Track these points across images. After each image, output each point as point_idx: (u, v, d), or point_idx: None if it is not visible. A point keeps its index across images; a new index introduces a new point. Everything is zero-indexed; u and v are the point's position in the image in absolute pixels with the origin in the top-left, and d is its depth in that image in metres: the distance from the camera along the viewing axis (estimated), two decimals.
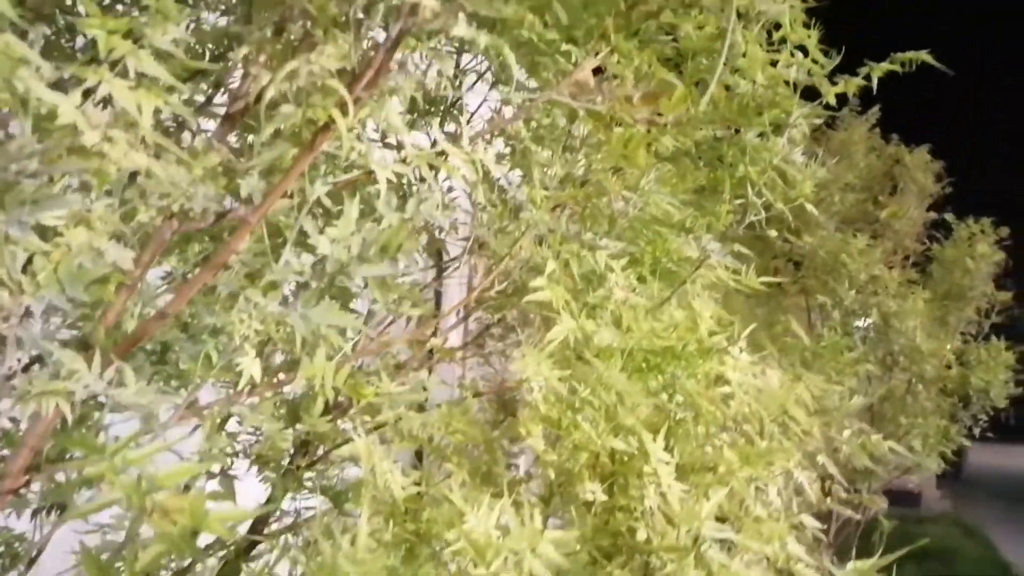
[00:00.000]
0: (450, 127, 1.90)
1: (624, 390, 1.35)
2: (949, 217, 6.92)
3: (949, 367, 6.28)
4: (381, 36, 1.37)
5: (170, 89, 1.24)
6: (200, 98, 1.60)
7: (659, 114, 1.44)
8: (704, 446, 1.36)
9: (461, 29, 1.17)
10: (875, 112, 7.49)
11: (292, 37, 1.44)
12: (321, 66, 1.20)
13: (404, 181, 1.55)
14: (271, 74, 1.33)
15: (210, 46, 1.63)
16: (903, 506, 10.04)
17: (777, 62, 2.13)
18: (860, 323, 6.46)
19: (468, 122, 1.57)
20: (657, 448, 1.27)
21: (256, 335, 1.40)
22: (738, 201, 2.31)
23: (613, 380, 1.33)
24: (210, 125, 1.52)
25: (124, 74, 1.18)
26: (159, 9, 1.16)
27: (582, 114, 1.76)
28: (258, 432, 1.52)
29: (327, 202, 1.46)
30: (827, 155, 7.50)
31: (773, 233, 2.43)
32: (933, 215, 7.26)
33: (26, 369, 1.24)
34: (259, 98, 1.35)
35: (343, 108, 1.28)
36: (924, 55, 2.11)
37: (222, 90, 1.63)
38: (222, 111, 1.50)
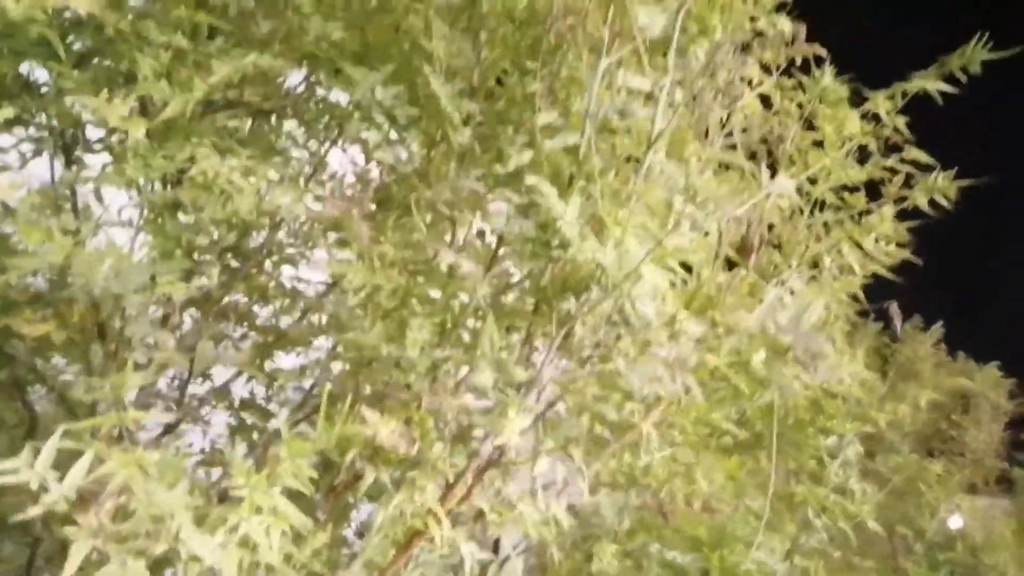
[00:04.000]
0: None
1: None
2: None
3: None
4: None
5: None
6: None
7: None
8: None
9: (543, 465, 1.38)
10: (939, 328, 7.51)
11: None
12: (422, 500, 1.41)
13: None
14: (375, 469, 1.56)
15: None
16: None
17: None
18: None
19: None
20: None
21: None
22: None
23: None
24: None
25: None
26: (292, 452, 1.39)
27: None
28: None
29: None
30: (894, 375, 7.48)
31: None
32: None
33: None
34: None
35: (438, 519, 1.48)
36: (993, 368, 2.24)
37: None
38: None
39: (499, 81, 1.94)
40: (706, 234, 1.52)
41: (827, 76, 1.95)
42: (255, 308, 2.35)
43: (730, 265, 1.88)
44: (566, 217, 1.26)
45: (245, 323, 2.27)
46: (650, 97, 1.40)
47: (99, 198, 1.82)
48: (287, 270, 2.34)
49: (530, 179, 1.26)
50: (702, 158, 1.48)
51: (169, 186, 1.82)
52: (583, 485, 1.51)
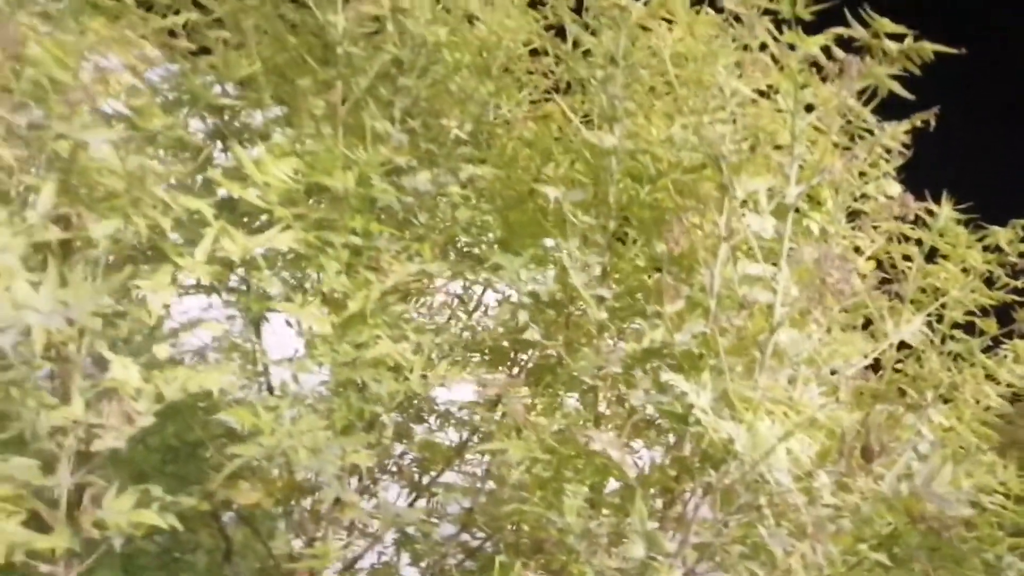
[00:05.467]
0: None
1: None
2: None
3: None
4: None
5: None
6: None
7: None
8: None
9: None
10: None
11: None
12: None
13: None
14: None
15: None
16: None
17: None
18: None
19: None
20: None
21: None
22: None
23: None
24: None
25: None
26: None
27: None
28: None
29: None
30: None
31: None
32: None
33: None
34: None
35: None
36: None
37: None
38: None
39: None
40: (834, 391, 1.63)
41: (945, 210, 2.03)
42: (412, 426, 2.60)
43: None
44: (699, 403, 1.42)
45: (404, 440, 2.52)
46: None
47: (295, 379, 2.14)
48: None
49: (665, 375, 1.44)
50: (822, 324, 1.61)
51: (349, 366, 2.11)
52: None
